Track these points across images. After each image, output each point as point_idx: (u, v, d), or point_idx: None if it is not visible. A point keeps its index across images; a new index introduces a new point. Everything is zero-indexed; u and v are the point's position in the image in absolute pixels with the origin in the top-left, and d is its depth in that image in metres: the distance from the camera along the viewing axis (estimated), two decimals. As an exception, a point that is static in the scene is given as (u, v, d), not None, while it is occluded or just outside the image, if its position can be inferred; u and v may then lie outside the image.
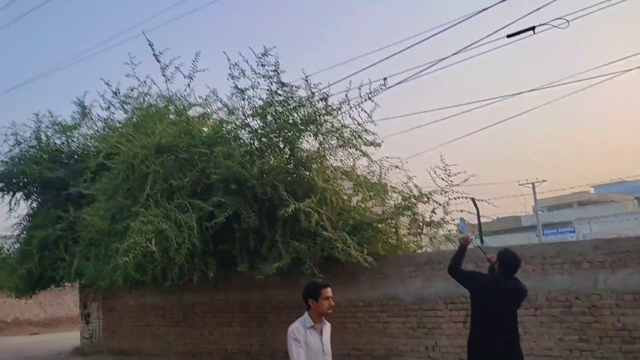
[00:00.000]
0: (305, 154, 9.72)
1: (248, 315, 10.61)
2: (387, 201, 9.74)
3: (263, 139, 9.86)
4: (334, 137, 9.75)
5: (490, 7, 6.14)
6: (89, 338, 14.47)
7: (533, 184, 38.66)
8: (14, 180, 13.36)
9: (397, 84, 8.00)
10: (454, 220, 9.16)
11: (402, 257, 8.96)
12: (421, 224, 9.20)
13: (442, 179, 8.71)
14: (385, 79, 8.12)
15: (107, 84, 11.54)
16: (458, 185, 8.64)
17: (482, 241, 9.06)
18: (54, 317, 27.14)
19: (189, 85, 10.60)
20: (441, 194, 8.82)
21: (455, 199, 8.66)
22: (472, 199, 8.67)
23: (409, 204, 9.09)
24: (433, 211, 8.94)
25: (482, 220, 11.55)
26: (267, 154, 9.93)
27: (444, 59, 7.09)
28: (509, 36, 6.29)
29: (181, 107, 10.98)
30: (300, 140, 9.75)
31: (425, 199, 8.92)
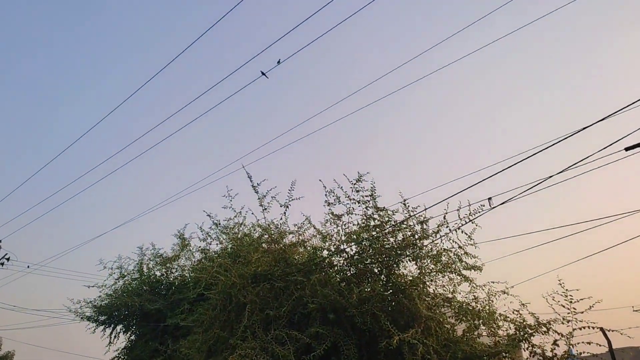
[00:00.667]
0: (403, 280, 9.30)
1: None
2: (497, 331, 8.85)
3: (359, 265, 9.62)
4: (433, 262, 9.33)
5: (604, 118, 5.87)
6: None
7: (653, 309, 34.32)
8: (116, 313, 13.79)
9: (503, 203, 7.61)
10: (580, 353, 8.04)
11: (522, 396, 7.86)
12: (541, 358, 8.15)
13: (563, 306, 7.85)
14: (489, 198, 7.81)
15: (209, 215, 12.04)
16: (582, 312, 7.71)
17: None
18: None
19: (284, 213, 10.80)
20: (562, 323, 7.89)
21: (580, 328, 7.69)
22: (602, 329, 7.64)
23: (525, 334, 8.17)
24: (555, 343, 7.93)
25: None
26: (363, 280, 9.63)
27: (558, 173, 6.72)
28: (627, 149, 5.89)
29: (276, 234, 11.14)
30: (398, 265, 9.43)
31: (544, 329, 7.99)
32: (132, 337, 14.20)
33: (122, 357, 13.92)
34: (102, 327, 14.01)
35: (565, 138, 6.34)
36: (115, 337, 14.08)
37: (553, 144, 6.49)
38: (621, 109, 5.98)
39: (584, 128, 6.11)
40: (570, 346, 8.12)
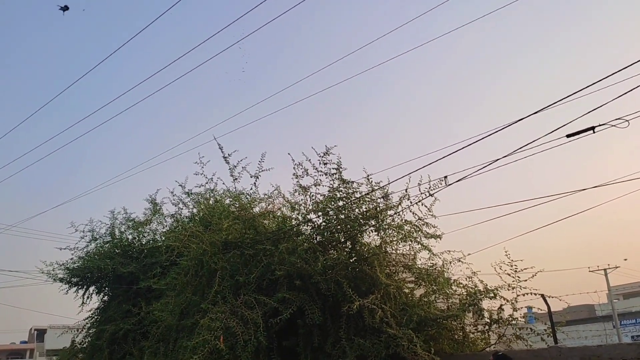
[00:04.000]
0: (366, 249, 9.93)
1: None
2: (451, 296, 9.64)
3: (325, 234, 10.19)
4: (395, 232, 9.96)
5: (549, 106, 6.41)
6: None
7: (605, 270, 36.53)
8: (88, 275, 14.17)
9: (457, 181, 8.21)
10: (522, 316, 8.90)
11: (469, 355, 8.70)
12: (489, 321, 8.99)
13: (509, 274, 8.63)
14: (445, 177, 8.39)
15: (180, 185, 12.38)
16: (526, 280, 8.52)
17: (555, 338, 8.66)
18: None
19: (254, 184, 11.25)
20: (508, 289, 8.69)
21: (523, 295, 8.51)
22: (542, 296, 8.46)
23: (475, 300, 8.96)
24: (501, 307, 8.75)
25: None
26: (329, 249, 10.23)
27: (504, 156, 7.30)
28: (568, 136, 6.48)
29: (246, 203, 11.58)
30: (362, 235, 10.04)
31: (492, 295, 8.78)
32: (105, 299, 14.67)
33: (96, 317, 14.42)
34: (75, 289, 14.40)
35: (513, 123, 6.90)
36: (88, 298, 14.53)
37: (503, 128, 7.05)
38: (565, 97, 6.54)
39: (529, 115, 6.67)
40: (528, 309, 8.97)
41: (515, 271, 8.59)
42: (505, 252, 8.65)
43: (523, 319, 9.72)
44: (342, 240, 10.30)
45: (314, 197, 10.35)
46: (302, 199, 10.48)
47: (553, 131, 6.47)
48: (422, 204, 9.81)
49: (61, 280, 14.21)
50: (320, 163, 10.26)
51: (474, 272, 9.23)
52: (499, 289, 8.77)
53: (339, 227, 10.08)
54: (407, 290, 9.99)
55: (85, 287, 14.44)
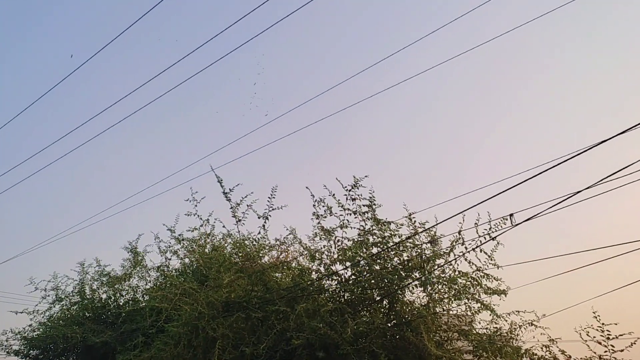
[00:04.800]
0: (409, 309, 9.83)
1: None
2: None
3: (355, 290, 10.13)
4: (446, 287, 9.86)
5: (624, 131, 6.37)
6: None
7: None
8: (51, 346, 14.23)
9: (526, 220, 8.11)
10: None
11: None
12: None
13: (599, 342, 8.44)
14: (511, 215, 8.30)
15: (170, 229, 12.46)
16: (622, 350, 8.31)
17: None
18: None
19: (263, 226, 11.26)
20: (599, 362, 8.50)
21: (620, 369, 8.31)
22: (644, 370, 8.24)
23: (556, 377, 8.77)
24: (590, 386, 8.55)
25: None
26: (360, 310, 10.14)
27: (587, 188, 7.23)
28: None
29: (253, 251, 11.58)
30: (403, 291, 9.95)
31: (579, 371, 8.60)
32: (73, 377, 14.68)
33: (60, 400, 14.42)
34: (32, 365, 14.46)
35: (599, 144, 6.84)
36: (50, 376, 14.56)
37: (584, 151, 6.99)
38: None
39: (621, 133, 6.61)
40: None
41: (608, 338, 8.40)
42: (594, 313, 8.48)
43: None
44: (378, 298, 10.22)
45: (340, 243, 10.34)
46: (324, 246, 10.47)
47: (633, 163, 6.40)
48: (480, 250, 9.72)
49: (17, 353, 14.29)
50: (347, 199, 10.28)
51: (553, 340, 9.04)
52: (589, 361, 8.58)
53: (372, 281, 10.02)
54: (464, 364, 9.82)
55: (46, 361, 14.48)
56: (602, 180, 7.46)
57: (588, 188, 7.69)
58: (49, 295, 14.82)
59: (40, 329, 14.31)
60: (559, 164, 7.54)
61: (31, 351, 14.30)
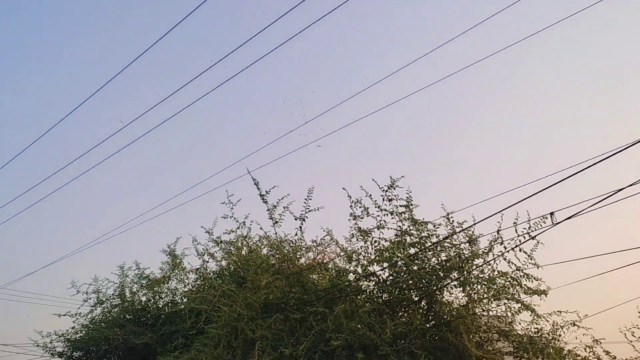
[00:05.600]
0: (448, 310, 9.78)
1: None
2: (566, 372, 9.31)
3: (393, 291, 10.11)
4: (485, 287, 9.79)
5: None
6: None
7: None
8: (93, 348, 14.50)
9: (567, 219, 8.01)
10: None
11: None
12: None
13: (644, 343, 8.29)
14: (552, 213, 8.20)
15: (207, 232, 12.58)
16: (670, 350, 8.15)
17: None
18: None
19: (300, 228, 11.31)
20: (644, 363, 8.34)
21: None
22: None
23: (601, 378, 8.63)
24: (636, 387, 8.39)
25: None
26: (399, 310, 10.13)
27: (630, 185, 7.11)
28: None
29: (290, 253, 11.64)
30: (442, 292, 9.91)
31: (624, 371, 8.45)
32: (115, 378, 14.94)
33: (103, 402, 14.68)
34: (77, 366, 14.76)
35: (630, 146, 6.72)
36: (93, 377, 14.83)
37: (625, 149, 6.88)
38: None
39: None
40: None
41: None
42: (639, 311, 8.33)
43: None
44: (416, 299, 10.19)
45: (377, 244, 10.33)
46: (361, 247, 10.48)
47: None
48: (520, 250, 9.63)
49: (60, 355, 14.59)
50: (384, 199, 10.28)
51: (597, 340, 8.89)
52: (635, 361, 8.43)
53: (410, 281, 10.00)
54: (504, 365, 9.73)
55: (89, 363, 14.76)
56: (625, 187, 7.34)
57: (630, 186, 7.57)
58: (90, 298, 15.14)
59: (83, 331, 14.59)
60: (599, 162, 7.43)
61: (74, 353, 14.58)
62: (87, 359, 14.67)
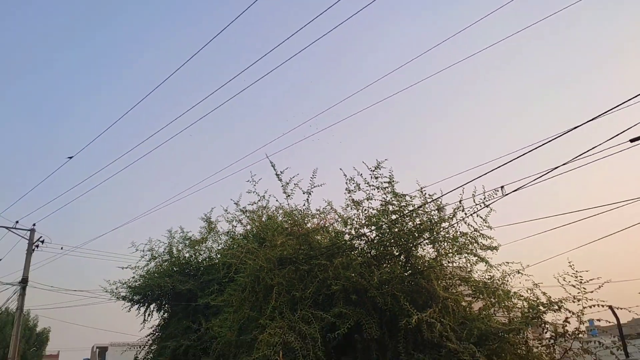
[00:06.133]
0: (422, 262, 9.80)
1: None
2: (512, 309, 9.33)
3: (379, 248, 10.13)
4: (450, 244, 9.80)
5: (610, 110, 6.19)
6: None
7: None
8: (149, 293, 14.59)
9: (514, 191, 8.00)
10: (585, 329, 8.51)
11: (535, 370, 8.37)
12: (553, 334, 8.63)
13: (573, 286, 8.28)
14: (502, 187, 8.20)
15: (236, 203, 12.61)
16: (592, 292, 8.15)
17: (626, 352, 8.22)
18: None
19: (307, 200, 11.33)
20: (573, 301, 8.33)
21: (590, 307, 8.13)
22: (610, 307, 8.06)
23: (538, 313, 8.63)
24: (566, 320, 8.39)
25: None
26: (383, 262, 10.15)
27: (564, 164, 7.08)
28: (632, 140, 6.22)
29: (299, 219, 11.67)
30: (416, 248, 9.93)
31: (556, 307, 8.44)
32: (165, 316, 15.05)
33: (157, 334, 14.80)
34: (136, 306, 14.86)
35: (573, 129, 6.69)
36: (149, 315, 14.94)
37: (560, 135, 6.85)
38: (625, 101, 6.30)
39: (590, 120, 6.45)
40: (589, 320, 8.56)
41: (581, 282, 8.24)
42: (569, 262, 8.33)
43: (585, 333, 9.25)
44: (396, 253, 10.21)
45: (366, 212, 10.34)
46: (354, 214, 10.50)
47: (615, 136, 6.23)
48: (477, 215, 9.63)
49: (124, 298, 14.70)
50: (371, 177, 10.27)
51: (536, 284, 8.91)
52: (564, 301, 8.42)
53: (392, 240, 10.01)
54: (464, 304, 9.76)
55: (146, 304, 14.86)
56: (574, 158, 7.30)
57: (565, 164, 7.54)
58: (145, 255, 15.20)
59: (140, 280, 14.67)
60: (541, 145, 7.41)
61: (134, 297, 14.68)
62: (144, 301, 14.77)
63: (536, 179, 7.56)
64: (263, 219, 12.80)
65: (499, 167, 7.63)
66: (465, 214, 9.57)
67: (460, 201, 9.59)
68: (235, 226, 14.01)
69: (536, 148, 7.19)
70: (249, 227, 13.48)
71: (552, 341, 8.66)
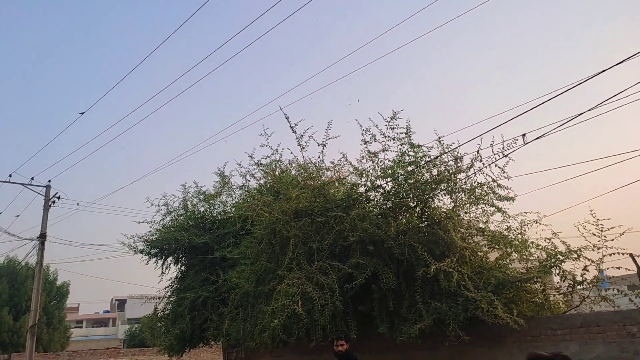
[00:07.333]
0: (439, 213, 9.72)
1: (388, 378, 10.44)
2: (529, 258, 9.29)
3: (395, 200, 10.03)
4: (467, 195, 9.68)
5: (635, 55, 5.89)
6: (233, 395, 15.04)
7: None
8: (166, 247, 14.71)
9: (536, 139, 7.79)
10: (609, 278, 8.47)
11: (553, 318, 8.39)
12: (572, 283, 8.61)
13: (594, 234, 8.18)
14: (524, 135, 7.98)
15: (250, 156, 12.49)
16: (612, 240, 8.05)
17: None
18: (193, 374, 28.76)
19: (322, 152, 11.17)
20: (593, 250, 8.25)
21: (610, 255, 8.06)
22: (631, 255, 7.98)
23: (556, 261, 8.59)
24: (585, 268, 8.34)
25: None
26: (399, 214, 10.09)
27: (588, 110, 6.83)
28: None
29: (314, 171, 11.56)
30: (433, 199, 9.83)
31: (575, 256, 8.38)
32: (183, 268, 15.23)
33: (175, 286, 15.04)
34: (154, 260, 15.02)
35: (597, 75, 6.41)
36: (166, 268, 15.13)
37: (585, 81, 6.57)
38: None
39: (614, 66, 6.17)
40: (601, 271, 8.50)
41: (602, 230, 8.12)
42: (591, 210, 8.19)
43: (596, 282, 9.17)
44: (413, 205, 10.12)
45: (382, 163, 10.19)
46: (369, 166, 10.36)
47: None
48: (495, 165, 9.45)
49: (141, 251, 14.84)
50: (387, 128, 10.05)
51: (555, 233, 8.81)
52: (583, 249, 8.35)
53: (409, 191, 9.90)
54: (481, 254, 9.73)
55: (163, 257, 15.01)
56: (594, 107, 7.06)
57: (582, 114, 7.30)
58: (161, 210, 15.22)
59: (157, 234, 14.76)
60: (564, 92, 7.15)
61: (151, 250, 14.81)
62: (161, 254, 14.92)
63: (560, 125, 7.34)
64: (276, 173, 12.72)
65: (521, 114, 7.40)
66: (483, 164, 9.38)
67: (478, 151, 9.38)
68: (249, 180, 13.98)
69: (561, 94, 6.93)
70: (262, 181, 13.44)
71: (570, 289, 8.65)
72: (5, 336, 30.23)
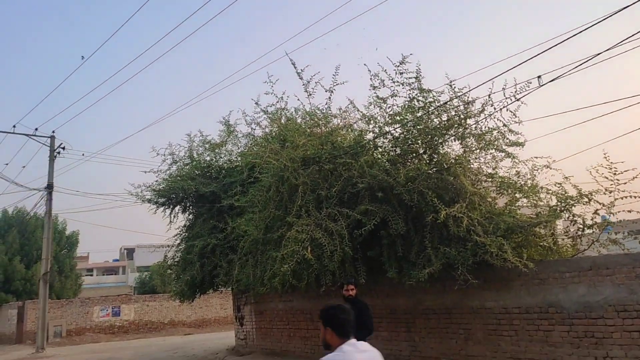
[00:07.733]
0: (448, 158, 9.60)
1: (396, 320, 10.67)
2: (539, 203, 9.24)
3: (403, 146, 9.91)
4: (477, 140, 9.53)
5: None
6: (244, 339, 15.51)
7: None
8: (173, 196, 14.77)
9: (552, 80, 7.56)
10: (620, 221, 8.44)
11: (561, 261, 8.42)
12: (581, 226, 8.59)
13: (606, 177, 8.07)
14: (539, 76, 7.73)
15: (257, 103, 12.31)
16: (625, 183, 7.95)
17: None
18: (204, 319, 29.64)
19: (329, 98, 10.98)
20: (605, 193, 8.18)
21: (622, 198, 7.98)
22: (643, 197, 7.90)
23: (566, 205, 8.53)
24: (596, 212, 8.29)
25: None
26: (408, 160, 9.99)
27: (606, 50, 6.58)
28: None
29: (321, 119, 11.39)
30: (442, 145, 9.69)
31: (586, 200, 8.31)
32: (190, 217, 15.34)
33: (183, 234, 15.20)
34: (162, 209, 15.11)
35: (612, 15, 6.13)
36: (174, 217, 15.25)
37: (600, 21, 6.29)
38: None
39: (635, 2, 5.87)
40: (608, 215, 8.45)
41: (615, 174, 8.00)
42: (604, 154, 8.04)
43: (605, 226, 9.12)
44: (421, 151, 10.00)
45: (390, 109, 9.99)
46: (377, 112, 10.16)
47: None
48: (506, 109, 9.24)
49: (149, 201, 14.91)
50: (396, 73, 9.78)
51: (566, 177, 8.71)
52: (594, 193, 8.27)
53: (418, 137, 9.75)
54: (490, 199, 9.68)
55: (171, 207, 15.10)
56: (611, 47, 6.79)
57: (599, 54, 7.04)
58: (167, 159, 15.20)
59: (164, 184, 14.78)
60: (575, 35, 6.87)
61: (159, 199, 14.87)
62: (169, 203, 14.99)
63: (577, 66, 7.10)
64: (282, 121, 12.55)
65: (536, 55, 7.15)
66: (495, 108, 9.18)
67: (489, 95, 9.16)
68: (254, 129, 13.85)
69: (574, 36, 6.66)
70: (268, 129, 13.30)
71: (579, 233, 8.64)
72: (19, 284, 30.98)
